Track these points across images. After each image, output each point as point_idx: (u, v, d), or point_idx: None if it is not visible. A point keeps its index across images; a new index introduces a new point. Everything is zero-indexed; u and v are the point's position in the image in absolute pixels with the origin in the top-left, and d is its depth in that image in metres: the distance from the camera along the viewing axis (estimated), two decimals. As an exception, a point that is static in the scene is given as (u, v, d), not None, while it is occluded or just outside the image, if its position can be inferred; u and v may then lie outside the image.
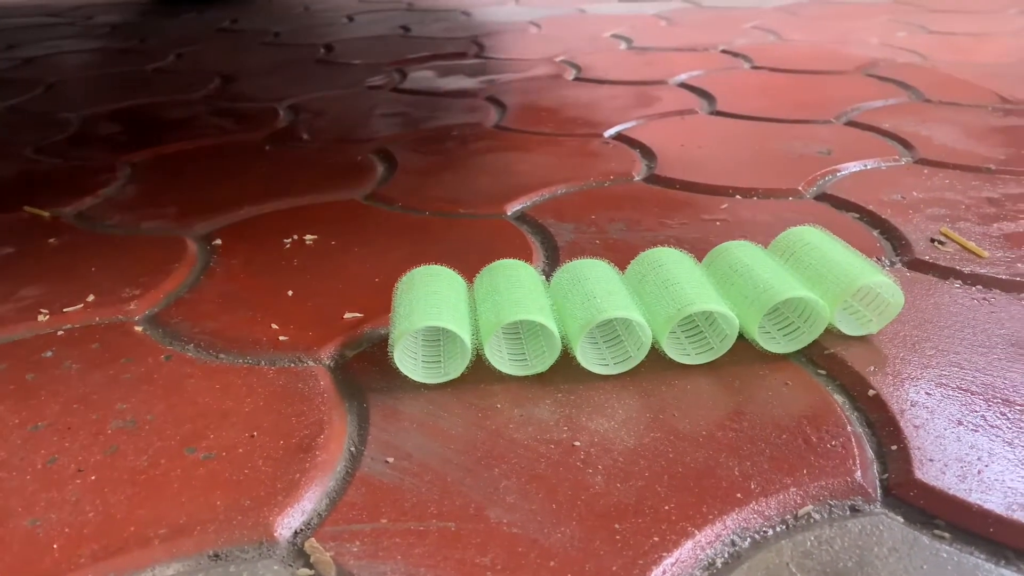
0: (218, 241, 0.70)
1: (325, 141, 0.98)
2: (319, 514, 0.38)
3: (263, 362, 0.51)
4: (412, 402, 0.46)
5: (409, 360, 0.48)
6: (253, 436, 0.44)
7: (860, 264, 0.50)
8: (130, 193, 0.84)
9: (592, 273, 0.52)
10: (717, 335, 0.49)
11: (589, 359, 0.48)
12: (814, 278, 0.51)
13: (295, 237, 0.70)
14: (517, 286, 0.50)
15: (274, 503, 0.39)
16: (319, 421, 0.45)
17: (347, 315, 0.56)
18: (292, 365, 0.50)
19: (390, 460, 0.41)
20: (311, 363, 0.50)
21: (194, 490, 0.40)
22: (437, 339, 0.51)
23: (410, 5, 2.11)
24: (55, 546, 0.37)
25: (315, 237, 0.69)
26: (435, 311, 0.47)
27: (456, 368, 0.48)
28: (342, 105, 1.15)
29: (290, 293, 0.59)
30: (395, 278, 0.61)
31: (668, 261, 0.52)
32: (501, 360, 0.48)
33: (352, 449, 0.43)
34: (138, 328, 0.56)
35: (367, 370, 0.49)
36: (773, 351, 0.49)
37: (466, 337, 0.47)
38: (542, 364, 0.48)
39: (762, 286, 0.48)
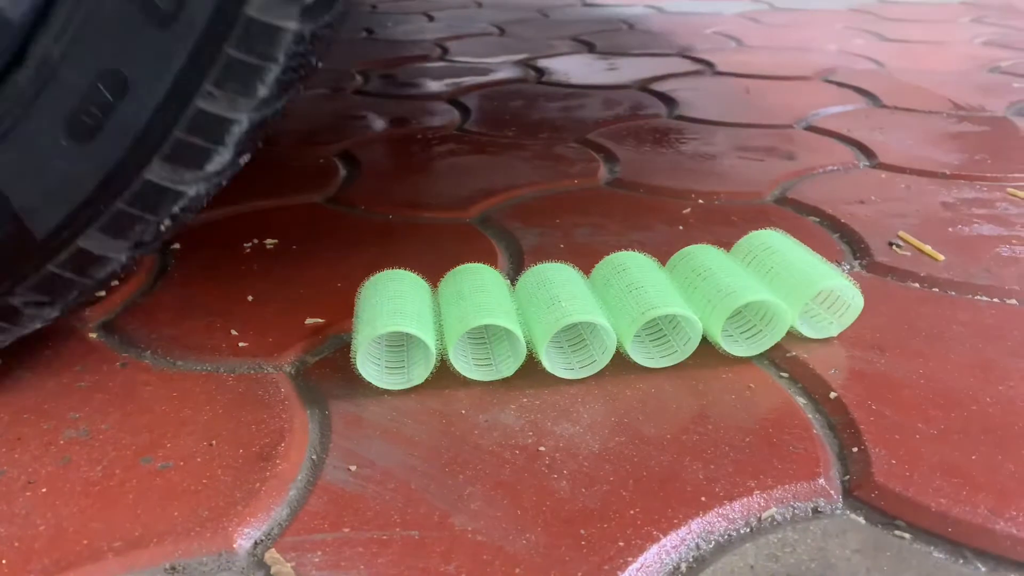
0: (176, 245, 0.68)
1: (287, 144, 0.97)
2: (280, 524, 0.38)
3: (222, 369, 0.50)
4: (375, 408, 0.45)
5: (372, 366, 0.48)
6: (212, 445, 0.43)
7: (820, 267, 0.51)
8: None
9: (557, 277, 0.51)
10: (681, 339, 0.49)
11: (554, 363, 0.48)
12: (775, 282, 0.51)
13: (255, 241, 0.68)
14: (482, 290, 0.50)
15: (233, 513, 0.38)
16: (280, 429, 0.44)
17: (308, 320, 0.55)
18: (252, 372, 0.49)
19: (352, 468, 0.41)
20: (271, 370, 0.50)
21: (150, 501, 0.39)
22: (401, 344, 0.50)
23: (374, 8, 2.10)
24: (3, 561, 0.36)
25: (276, 241, 0.68)
26: (399, 316, 0.47)
27: (420, 374, 0.47)
28: (305, 108, 1.13)
29: (250, 298, 0.58)
30: (357, 282, 0.60)
31: (632, 265, 0.52)
32: (466, 365, 0.48)
33: (314, 457, 0.42)
34: (92, 335, 0.54)
35: (329, 376, 0.49)
36: (736, 354, 0.49)
37: (430, 342, 0.46)
38: (507, 369, 0.48)
39: (725, 290, 0.49)
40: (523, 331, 0.48)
